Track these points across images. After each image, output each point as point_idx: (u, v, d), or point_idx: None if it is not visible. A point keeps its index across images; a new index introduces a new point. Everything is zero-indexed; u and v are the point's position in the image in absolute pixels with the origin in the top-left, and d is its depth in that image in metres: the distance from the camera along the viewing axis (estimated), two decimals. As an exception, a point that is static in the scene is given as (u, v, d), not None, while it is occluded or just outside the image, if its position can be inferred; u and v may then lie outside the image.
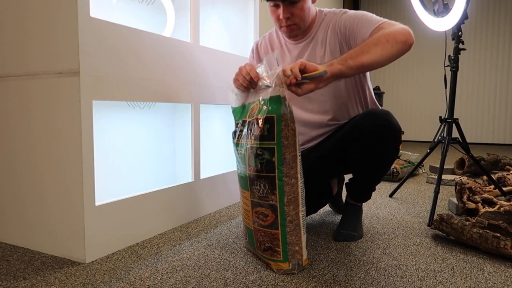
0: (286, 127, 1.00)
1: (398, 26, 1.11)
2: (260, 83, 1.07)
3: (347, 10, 1.27)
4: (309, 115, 1.34)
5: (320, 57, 1.28)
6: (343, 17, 1.24)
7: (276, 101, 1.01)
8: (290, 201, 1.02)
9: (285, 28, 1.25)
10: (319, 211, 1.70)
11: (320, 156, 1.32)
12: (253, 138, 1.04)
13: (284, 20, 1.22)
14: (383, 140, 1.17)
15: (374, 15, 1.21)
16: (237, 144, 1.13)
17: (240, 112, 1.16)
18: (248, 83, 1.09)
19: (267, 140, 1.01)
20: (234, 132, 1.16)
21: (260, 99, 1.06)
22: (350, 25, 1.21)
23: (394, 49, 1.07)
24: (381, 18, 1.18)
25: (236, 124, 1.17)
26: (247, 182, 1.08)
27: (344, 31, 1.23)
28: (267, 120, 1.01)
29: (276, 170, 1.01)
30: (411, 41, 1.09)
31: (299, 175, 1.03)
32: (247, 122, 1.09)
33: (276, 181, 1.01)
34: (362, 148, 1.20)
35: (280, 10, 1.20)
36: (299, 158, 1.03)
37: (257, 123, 1.03)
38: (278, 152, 1.00)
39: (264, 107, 1.03)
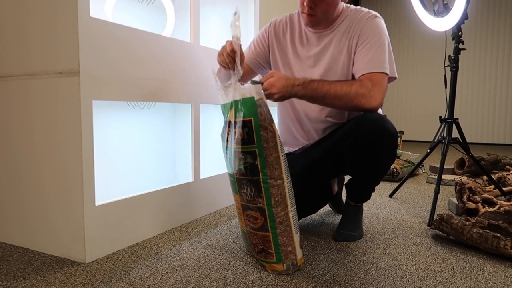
0: (265, 130, 0.99)
1: (378, 94, 1.18)
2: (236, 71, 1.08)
3: (375, 15, 1.28)
4: (307, 109, 1.34)
5: (337, 53, 1.29)
6: (367, 24, 1.25)
7: (251, 104, 1.00)
8: (278, 203, 1.02)
9: (305, 15, 1.26)
10: (319, 211, 1.70)
11: (317, 159, 1.31)
12: (235, 142, 1.04)
13: (307, 8, 1.23)
14: (378, 146, 1.17)
15: (385, 48, 1.24)
16: (226, 147, 1.12)
17: (227, 110, 1.15)
18: (230, 58, 1.11)
19: (247, 144, 1.01)
20: (222, 134, 1.16)
21: (237, 99, 1.04)
22: (364, 41, 1.24)
23: (351, 107, 1.18)
24: (385, 62, 1.22)
25: (224, 123, 1.16)
26: (235, 186, 1.08)
27: (359, 39, 1.26)
28: (245, 124, 1.00)
29: (260, 173, 1.01)
30: (372, 111, 1.19)
31: (284, 176, 1.02)
32: (232, 123, 1.07)
33: (261, 184, 1.01)
34: (357, 154, 1.20)
35: None
36: (282, 159, 1.02)
37: (236, 127, 1.03)
38: (259, 155, 1.00)
39: (240, 109, 1.02)
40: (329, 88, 1.14)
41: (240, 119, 1.01)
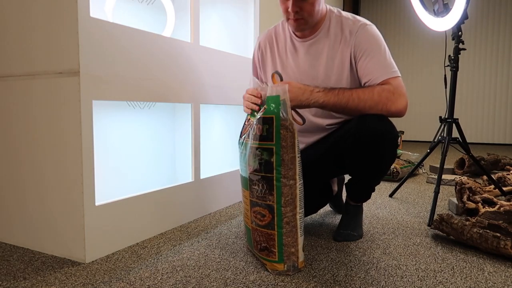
0: (285, 129, 1.00)
1: (402, 97, 1.16)
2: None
3: (366, 23, 1.25)
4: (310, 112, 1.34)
5: (330, 60, 1.27)
6: (361, 34, 1.23)
7: (275, 101, 1.01)
8: (288, 203, 1.02)
9: (292, 21, 1.24)
10: (319, 211, 1.70)
11: (317, 159, 1.31)
12: (253, 138, 1.05)
13: (292, 14, 1.21)
14: (378, 146, 1.17)
15: (387, 53, 1.23)
16: (241, 143, 1.13)
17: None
18: (257, 107, 1.10)
19: (266, 140, 1.01)
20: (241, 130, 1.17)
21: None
22: (364, 51, 1.22)
23: (376, 112, 1.15)
24: (394, 66, 1.22)
25: (247, 120, 1.17)
26: (247, 182, 1.09)
27: (356, 50, 1.23)
28: (266, 121, 1.01)
29: (274, 171, 1.01)
30: (400, 114, 1.18)
31: (297, 177, 1.03)
32: (253, 120, 1.09)
33: (274, 181, 1.01)
34: (358, 154, 1.19)
35: (290, 2, 1.18)
36: (298, 159, 1.03)
37: (257, 123, 1.04)
38: (276, 153, 1.00)
39: (264, 106, 1.04)
40: (351, 93, 1.13)
41: (261, 115, 1.03)
